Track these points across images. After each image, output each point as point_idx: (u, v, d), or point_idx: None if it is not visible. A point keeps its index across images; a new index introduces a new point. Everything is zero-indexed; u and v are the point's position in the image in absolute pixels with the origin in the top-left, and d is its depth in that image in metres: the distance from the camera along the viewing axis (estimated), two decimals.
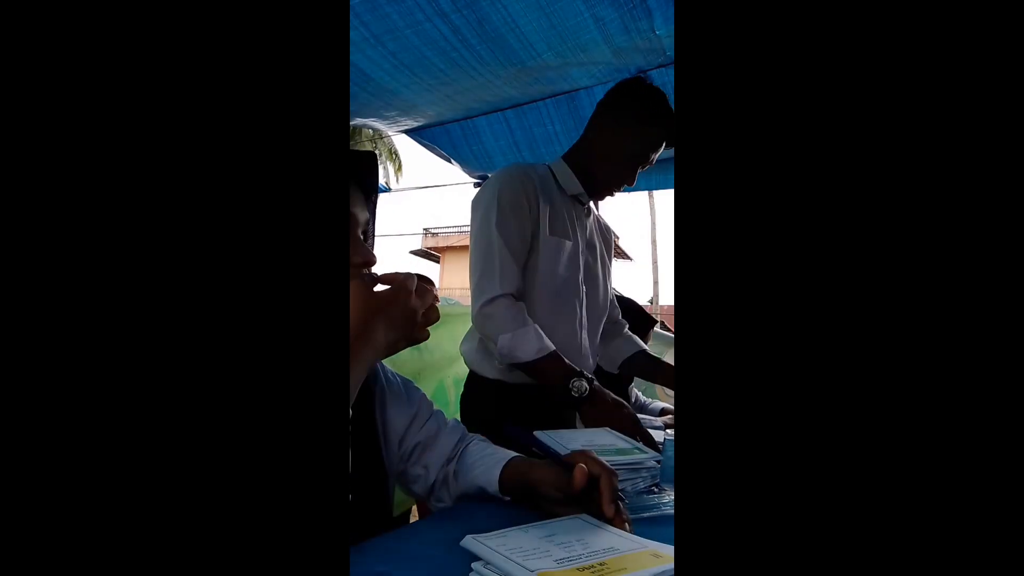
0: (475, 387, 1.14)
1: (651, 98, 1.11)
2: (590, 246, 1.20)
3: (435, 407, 0.77)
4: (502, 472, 0.64)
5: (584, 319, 1.15)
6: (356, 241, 0.61)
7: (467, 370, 1.17)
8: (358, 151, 0.69)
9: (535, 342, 0.99)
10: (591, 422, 0.94)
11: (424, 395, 0.77)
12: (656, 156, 1.14)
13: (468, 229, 1.14)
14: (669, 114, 1.11)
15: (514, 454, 0.68)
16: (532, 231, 1.07)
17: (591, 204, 1.22)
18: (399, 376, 0.77)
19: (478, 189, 1.15)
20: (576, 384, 0.95)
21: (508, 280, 1.02)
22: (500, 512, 0.63)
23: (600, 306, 1.22)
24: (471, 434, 0.77)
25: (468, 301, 1.10)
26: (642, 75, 1.22)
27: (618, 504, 0.54)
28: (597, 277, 1.22)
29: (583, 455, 0.58)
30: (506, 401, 1.08)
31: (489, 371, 1.10)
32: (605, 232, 1.29)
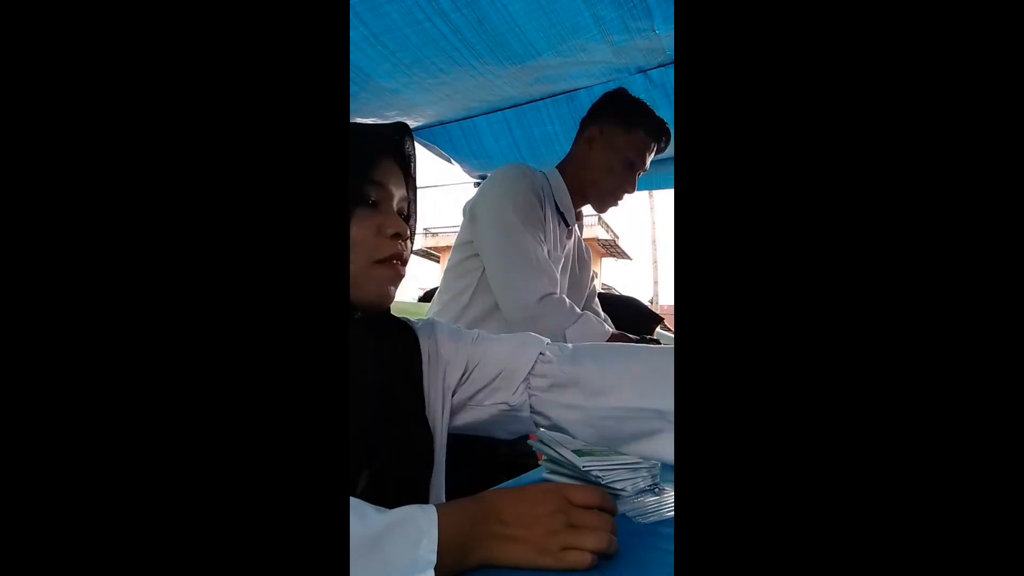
0: None
1: (633, 104, 1.15)
2: (567, 268, 1.20)
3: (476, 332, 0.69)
4: None
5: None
6: (390, 213, 0.58)
7: None
8: (387, 124, 0.61)
9: (599, 326, 1.01)
10: None
11: (465, 333, 0.69)
12: (651, 159, 1.17)
13: None
14: (652, 116, 1.15)
15: None
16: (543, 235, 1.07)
17: (575, 226, 1.22)
18: (445, 328, 0.68)
19: (478, 190, 1.13)
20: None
21: (550, 278, 1.01)
22: None
23: None
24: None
25: None
26: (624, 86, 1.28)
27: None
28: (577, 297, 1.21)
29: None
30: None
31: None
32: (584, 254, 1.29)
